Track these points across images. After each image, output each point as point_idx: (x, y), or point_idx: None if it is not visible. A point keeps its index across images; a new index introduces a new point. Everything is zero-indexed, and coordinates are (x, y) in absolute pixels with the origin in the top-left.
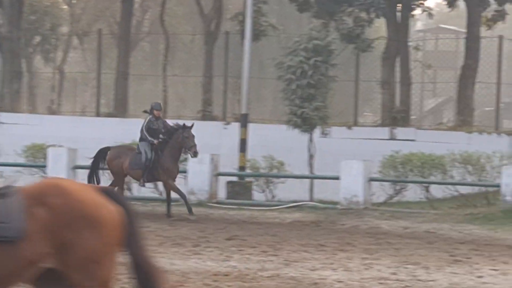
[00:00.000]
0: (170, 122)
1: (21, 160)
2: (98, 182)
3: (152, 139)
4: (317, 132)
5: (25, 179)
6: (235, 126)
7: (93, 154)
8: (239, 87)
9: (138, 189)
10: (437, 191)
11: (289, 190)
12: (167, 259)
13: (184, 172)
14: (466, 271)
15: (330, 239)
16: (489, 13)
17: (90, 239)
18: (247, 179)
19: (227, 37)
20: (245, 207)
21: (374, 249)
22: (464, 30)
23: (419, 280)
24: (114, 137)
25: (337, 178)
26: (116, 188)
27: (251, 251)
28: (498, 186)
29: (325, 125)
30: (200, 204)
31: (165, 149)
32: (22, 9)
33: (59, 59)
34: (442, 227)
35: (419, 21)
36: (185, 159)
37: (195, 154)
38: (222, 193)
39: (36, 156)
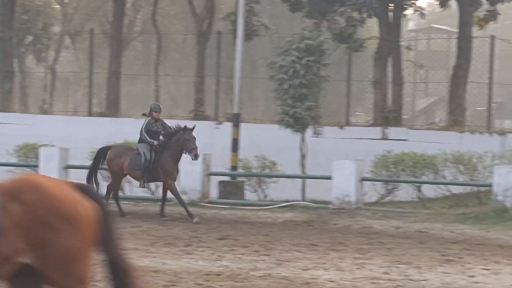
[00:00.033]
0: (169, 122)
1: (13, 160)
2: (97, 183)
3: (152, 140)
4: (309, 132)
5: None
6: (227, 126)
7: (86, 154)
8: (231, 87)
9: (130, 189)
10: (429, 191)
11: (281, 190)
12: (159, 259)
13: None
14: (458, 271)
15: (322, 238)
16: (481, 13)
17: (65, 236)
18: (239, 179)
19: (219, 37)
20: (237, 207)
21: (366, 248)
22: (456, 30)
23: (411, 279)
24: (106, 136)
25: (329, 177)
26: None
27: (243, 251)
28: (489, 186)
29: (317, 124)
30: (192, 204)
31: (165, 150)
32: (14, 9)
33: (51, 58)
34: (434, 226)
35: (411, 21)
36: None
37: (196, 157)
38: (214, 193)
39: (28, 156)
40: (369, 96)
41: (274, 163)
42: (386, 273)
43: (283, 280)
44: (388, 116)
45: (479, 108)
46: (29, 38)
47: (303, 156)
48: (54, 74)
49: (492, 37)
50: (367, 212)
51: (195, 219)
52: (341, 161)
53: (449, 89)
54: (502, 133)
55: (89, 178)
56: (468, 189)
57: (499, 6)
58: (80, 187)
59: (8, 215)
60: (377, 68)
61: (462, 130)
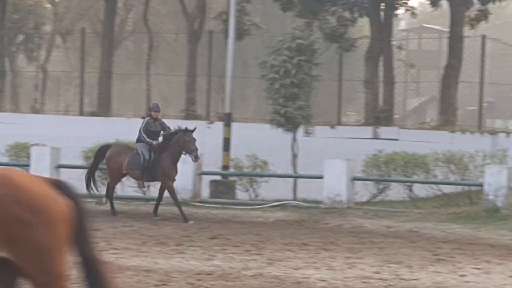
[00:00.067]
0: (168, 122)
1: (4, 159)
2: (94, 182)
3: (151, 140)
4: (300, 131)
5: None
6: (219, 125)
7: (77, 153)
8: (223, 86)
9: (121, 188)
10: (420, 190)
11: (273, 189)
12: (150, 258)
13: None
14: (449, 270)
15: (313, 238)
16: (472, 12)
17: (38, 231)
18: (231, 178)
19: (211, 36)
20: (229, 206)
21: (357, 248)
22: (447, 29)
23: (402, 279)
24: (97, 136)
25: (320, 177)
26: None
27: (235, 250)
28: (481, 185)
29: (308, 124)
30: (183, 203)
31: (165, 151)
32: (5, 8)
33: (42, 58)
34: (425, 226)
35: (402, 20)
36: None
37: (196, 159)
38: (205, 192)
39: (19, 155)
40: (361, 96)
41: (265, 163)
42: (377, 272)
43: (274, 279)
44: (379, 115)
45: (470, 108)
46: (20, 37)
47: (294, 156)
48: (45, 73)
49: (483, 37)
50: (358, 212)
51: (190, 223)
52: (332, 160)
53: (440, 89)
54: (493, 132)
55: (88, 177)
56: (459, 188)
57: (490, 6)
58: (55, 183)
59: None
60: (368, 67)
61: (453, 129)
